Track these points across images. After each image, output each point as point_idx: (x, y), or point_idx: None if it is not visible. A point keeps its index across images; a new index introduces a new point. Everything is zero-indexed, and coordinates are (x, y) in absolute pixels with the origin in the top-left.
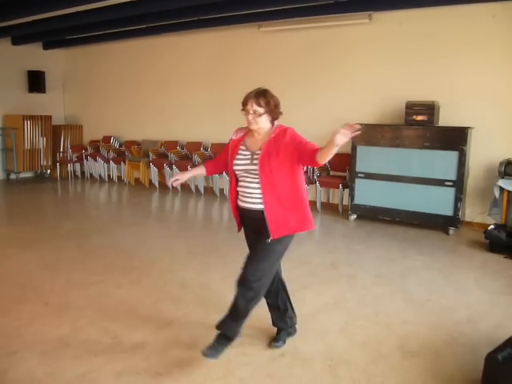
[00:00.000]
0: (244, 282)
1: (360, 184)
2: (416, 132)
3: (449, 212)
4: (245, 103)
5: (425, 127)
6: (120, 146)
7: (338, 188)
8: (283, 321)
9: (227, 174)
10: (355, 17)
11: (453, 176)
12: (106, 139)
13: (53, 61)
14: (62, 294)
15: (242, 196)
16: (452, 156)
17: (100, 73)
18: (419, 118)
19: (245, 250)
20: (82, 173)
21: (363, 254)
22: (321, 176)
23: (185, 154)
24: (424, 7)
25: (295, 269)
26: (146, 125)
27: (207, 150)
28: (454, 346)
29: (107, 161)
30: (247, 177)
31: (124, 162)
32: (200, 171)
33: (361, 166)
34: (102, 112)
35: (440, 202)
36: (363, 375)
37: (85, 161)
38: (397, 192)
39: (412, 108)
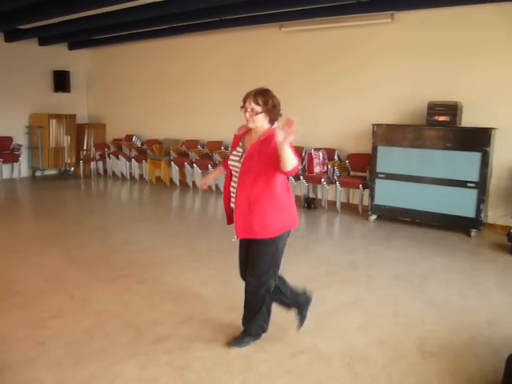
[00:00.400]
0: (249, 288)
1: (380, 184)
2: (438, 133)
3: (471, 214)
4: (244, 101)
5: (447, 128)
6: (142, 144)
7: (358, 188)
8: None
9: None
10: (377, 16)
11: (475, 177)
12: (128, 138)
13: (77, 61)
14: (87, 289)
15: (232, 196)
16: (475, 157)
17: (123, 72)
18: (441, 118)
19: None
20: (105, 170)
21: (382, 255)
22: (341, 176)
23: (205, 153)
24: (446, 6)
25: (314, 268)
26: (167, 124)
27: (227, 149)
28: (473, 347)
29: (129, 159)
30: (235, 175)
31: (145, 161)
32: (219, 171)
33: (381, 166)
34: (124, 111)
35: (462, 203)
36: (382, 373)
37: (107, 159)
38: (417, 193)
39: (434, 108)
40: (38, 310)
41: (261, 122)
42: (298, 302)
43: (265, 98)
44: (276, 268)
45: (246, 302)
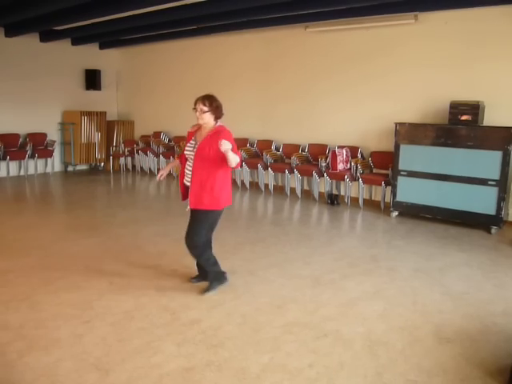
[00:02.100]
0: (188, 245)
1: (402, 182)
2: (460, 132)
3: (491, 211)
4: (195, 103)
5: (469, 127)
6: (169, 141)
7: (381, 185)
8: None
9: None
10: (401, 17)
11: (496, 175)
12: (156, 134)
13: (108, 60)
14: (124, 275)
15: (186, 174)
16: (496, 155)
17: (150, 71)
18: (464, 117)
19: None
20: (133, 166)
21: (403, 250)
22: (364, 173)
23: None
24: (470, 7)
25: (337, 260)
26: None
27: (253, 147)
28: (488, 335)
29: (157, 155)
30: (189, 161)
31: (173, 157)
32: (174, 163)
33: (403, 164)
34: (152, 108)
35: (482, 200)
36: (400, 356)
37: (136, 155)
38: (439, 190)
39: (457, 108)
40: (82, 294)
41: (208, 119)
42: (215, 272)
43: (210, 100)
44: (207, 235)
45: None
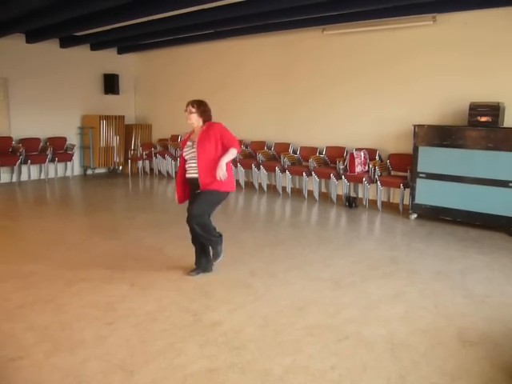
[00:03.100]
0: (190, 220)
1: (421, 184)
2: (480, 133)
3: None
4: (186, 106)
5: (489, 128)
6: None
7: (399, 187)
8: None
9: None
10: (419, 19)
11: None
12: (174, 138)
13: (126, 64)
14: (146, 277)
15: (188, 170)
16: None
17: (168, 75)
18: (483, 119)
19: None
20: (151, 169)
21: (423, 252)
22: (382, 176)
23: (249, 153)
24: (489, 8)
25: (357, 263)
26: None
27: (271, 149)
28: (511, 338)
29: (175, 158)
30: (191, 158)
31: None
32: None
33: (422, 166)
34: (169, 112)
35: (503, 203)
36: (423, 359)
37: (154, 158)
38: (458, 192)
39: (476, 109)
40: (104, 295)
41: (194, 120)
42: (217, 239)
43: (198, 104)
44: (211, 211)
45: (195, 235)
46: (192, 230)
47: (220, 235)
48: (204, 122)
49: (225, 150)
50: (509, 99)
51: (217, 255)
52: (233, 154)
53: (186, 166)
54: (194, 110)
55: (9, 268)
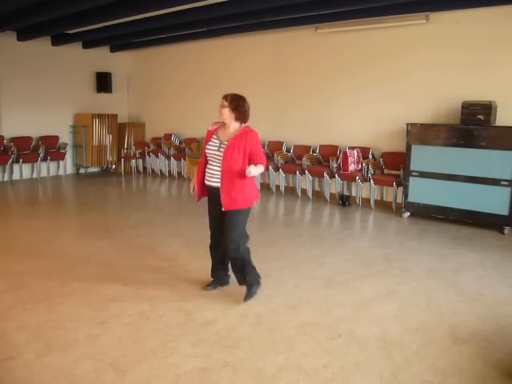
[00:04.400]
0: (228, 247)
1: (414, 182)
2: (472, 132)
3: (504, 211)
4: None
5: (481, 127)
6: (180, 143)
7: (392, 186)
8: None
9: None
10: (412, 18)
11: (509, 175)
12: (167, 136)
13: (118, 63)
14: (138, 276)
15: (209, 175)
16: (509, 156)
17: (161, 73)
18: (476, 117)
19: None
20: (144, 168)
21: (416, 250)
22: (375, 174)
23: None
24: (481, 7)
25: (350, 261)
26: (204, 123)
27: (264, 148)
28: (503, 336)
29: (168, 157)
30: (213, 160)
31: (184, 159)
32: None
33: (415, 164)
34: (162, 110)
35: (495, 201)
36: (415, 356)
37: (147, 157)
38: (451, 191)
39: (468, 108)
40: (96, 294)
41: (227, 115)
42: (255, 275)
43: (231, 97)
44: (245, 231)
45: (232, 265)
46: (231, 260)
47: (259, 277)
48: (237, 120)
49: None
50: (501, 98)
51: (251, 293)
52: (261, 170)
53: (207, 167)
54: (226, 103)
55: (0, 268)
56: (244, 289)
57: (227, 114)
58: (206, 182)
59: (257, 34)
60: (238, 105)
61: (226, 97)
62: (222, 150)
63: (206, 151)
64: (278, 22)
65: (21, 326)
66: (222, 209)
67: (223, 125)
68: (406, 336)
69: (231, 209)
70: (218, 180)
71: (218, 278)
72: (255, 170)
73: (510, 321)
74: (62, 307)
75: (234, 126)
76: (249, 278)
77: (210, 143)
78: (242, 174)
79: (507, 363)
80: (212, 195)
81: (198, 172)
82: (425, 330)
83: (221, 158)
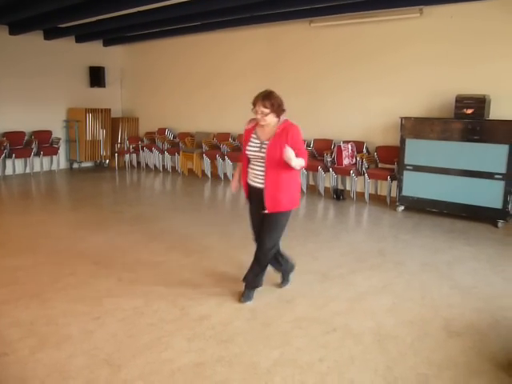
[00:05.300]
0: (264, 248)
1: (408, 176)
2: (466, 125)
3: (498, 205)
4: (254, 104)
5: (475, 120)
6: (174, 137)
7: (387, 180)
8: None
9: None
10: (406, 11)
11: (503, 169)
12: (161, 131)
13: (112, 57)
14: (132, 271)
15: (252, 176)
16: (502, 149)
17: (155, 67)
18: (469, 111)
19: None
20: (138, 163)
21: (410, 244)
22: (369, 168)
23: (236, 146)
24: (475, 0)
25: (344, 255)
26: (198, 117)
27: None
28: (498, 329)
29: (162, 152)
30: (256, 161)
31: (178, 153)
32: (240, 168)
33: (409, 158)
34: (156, 105)
35: (489, 194)
36: (410, 350)
37: (141, 151)
38: (445, 184)
39: (462, 101)
40: (91, 290)
41: (270, 120)
42: (287, 266)
43: (270, 101)
44: (282, 234)
45: (256, 260)
46: (257, 258)
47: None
48: (278, 116)
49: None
50: (495, 91)
51: (286, 280)
52: (302, 165)
53: (249, 167)
54: (267, 110)
55: None
56: (242, 285)
57: (271, 119)
58: (250, 182)
59: (251, 28)
60: (279, 105)
61: (263, 102)
62: (263, 150)
63: (247, 152)
64: (271, 16)
65: (14, 322)
66: (266, 211)
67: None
68: (401, 329)
69: (275, 211)
70: (262, 181)
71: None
72: (295, 158)
73: (504, 314)
74: (55, 303)
75: (272, 123)
76: (257, 280)
77: (251, 144)
78: (287, 173)
79: (502, 356)
80: (255, 196)
81: (243, 173)
82: (419, 323)
83: (263, 159)
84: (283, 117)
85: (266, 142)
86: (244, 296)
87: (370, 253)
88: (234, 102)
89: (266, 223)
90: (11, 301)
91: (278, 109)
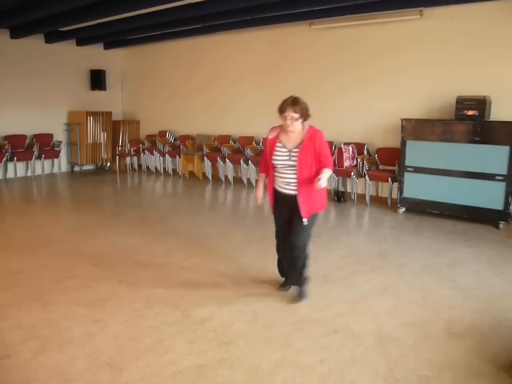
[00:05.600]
0: (297, 246)
1: (409, 178)
2: (466, 127)
3: (499, 206)
4: (283, 110)
5: (476, 122)
6: (175, 140)
7: (387, 181)
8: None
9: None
10: (406, 13)
11: (504, 170)
12: (162, 134)
13: (112, 60)
14: (134, 274)
15: (284, 184)
16: (503, 150)
17: (155, 70)
18: (470, 112)
19: None
20: (139, 165)
21: (411, 245)
22: (370, 170)
23: (237, 148)
24: (475, 2)
25: (345, 257)
26: (199, 120)
27: (259, 144)
28: (499, 330)
29: (163, 154)
30: (286, 169)
31: (179, 156)
32: (263, 180)
33: (410, 160)
34: (157, 108)
35: (490, 196)
36: (411, 351)
37: (142, 154)
38: (446, 186)
39: (463, 103)
40: (92, 293)
41: (298, 125)
42: (305, 277)
43: (300, 106)
44: (312, 232)
45: (294, 263)
46: (294, 259)
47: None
48: (303, 122)
49: (318, 167)
50: (495, 92)
51: (302, 293)
52: (329, 175)
53: (276, 175)
54: (297, 115)
55: None
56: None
57: (298, 125)
58: (279, 189)
59: (251, 30)
60: (306, 110)
61: (293, 107)
62: (293, 159)
63: (274, 162)
64: (272, 19)
65: (16, 325)
66: (304, 219)
67: (283, 129)
68: (402, 331)
69: (309, 215)
70: (295, 188)
71: (291, 278)
72: (325, 179)
73: (505, 315)
74: (57, 305)
75: (298, 129)
76: (303, 278)
77: (277, 153)
78: (313, 179)
79: (503, 357)
80: (284, 202)
81: (269, 183)
82: (421, 325)
83: (294, 167)
84: (307, 126)
85: (296, 150)
86: (299, 295)
87: (371, 255)
88: (235, 104)
89: (296, 225)
90: (13, 303)
91: (305, 114)
